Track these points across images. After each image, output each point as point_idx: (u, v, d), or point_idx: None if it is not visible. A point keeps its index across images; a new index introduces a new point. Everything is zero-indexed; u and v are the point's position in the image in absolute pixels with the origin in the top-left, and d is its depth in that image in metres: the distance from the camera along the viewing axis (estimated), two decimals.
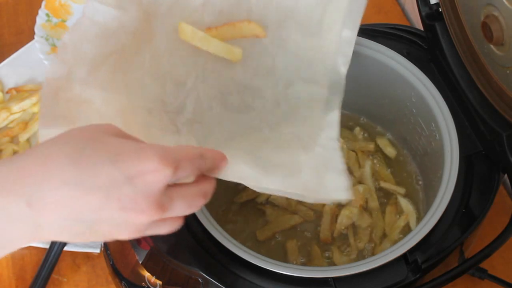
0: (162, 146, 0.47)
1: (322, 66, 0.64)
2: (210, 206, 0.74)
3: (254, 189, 0.56)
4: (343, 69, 0.64)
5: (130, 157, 0.44)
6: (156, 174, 0.44)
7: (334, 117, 0.62)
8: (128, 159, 0.44)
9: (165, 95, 0.61)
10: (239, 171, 0.55)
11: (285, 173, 0.56)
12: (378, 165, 0.78)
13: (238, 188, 0.76)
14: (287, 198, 0.75)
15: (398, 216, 0.73)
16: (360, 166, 0.77)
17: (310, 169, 0.57)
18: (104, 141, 0.45)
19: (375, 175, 0.76)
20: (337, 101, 0.63)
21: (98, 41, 0.57)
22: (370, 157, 0.78)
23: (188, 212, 0.49)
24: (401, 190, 0.75)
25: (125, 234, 0.46)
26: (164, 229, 0.49)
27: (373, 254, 0.71)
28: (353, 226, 0.73)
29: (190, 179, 0.50)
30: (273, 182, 0.55)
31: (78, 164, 0.43)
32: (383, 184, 0.75)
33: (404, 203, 0.73)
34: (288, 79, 0.65)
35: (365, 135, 0.80)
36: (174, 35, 0.62)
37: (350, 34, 0.63)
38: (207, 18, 0.64)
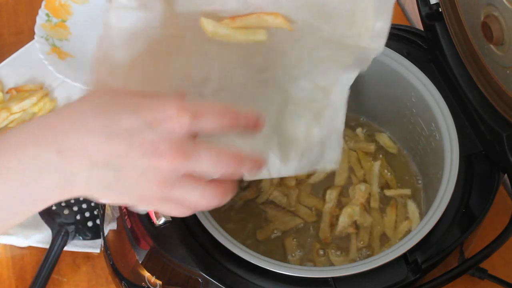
0: (184, 99, 0.47)
1: (352, 57, 0.63)
2: None
3: (271, 177, 0.57)
4: (372, 57, 0.62)
5: (150, 105, 0.46)
6: (175, 121, 0.46)
7: (351, 76, 0.61)
8: (148, 107, 0.46)
9: (191, 69, 0.60)
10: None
11: (299, 153, 0.58)
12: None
13: (239, 189, 0.76)
14: (287, 198, 0.75)
15: (402, 220, 0.73)
16: (361, 166, 0.77)
17: (318, 144, 0.60)
18: (126, 96, 0.48)
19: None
20: (362, 67, 0.62)
21: (128, 46, 0.56)
22: (370, 158, 0.78)
23: (216, 171, 0.47)
24: (407, 191, 0.75)
25: (153, 183, 0.46)
26: (197, 193, 0.48)
27: (373, 254, 0.71)
28: (354, 226, 0.73)
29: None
30: (291, 168, 0.58)
31: (102, 114, 0.46)
32: (388, 193, 0.74)
33: (412, 209, 0.72)
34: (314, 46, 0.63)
35: (366, 134, 0.80)
36: (199, 24, 0.60)
37: (382, 25, 0.61)
38: (231, 6, 0.61)
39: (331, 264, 0.70)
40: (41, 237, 0.80)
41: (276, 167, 0.58)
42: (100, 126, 0.45)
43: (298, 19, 0.61)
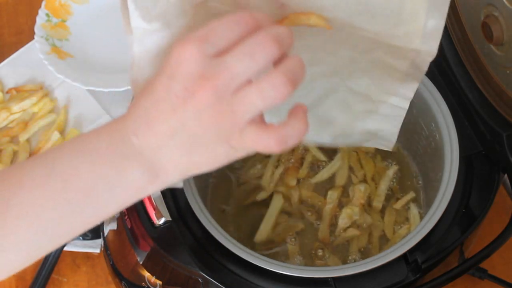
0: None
1: (406, 61, 0.58)
2: (210, 206, 0.75)
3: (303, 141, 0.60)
4: (426, 63, 0.56)
5: (166, 62, 0.46)
6: (185, 58, 0.44)
7: (413, 85, 0.58)
8: (165, 65, 0.46)
9: None
10: None
11: (337, 133, 0.59)
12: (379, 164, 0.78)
13: (239, 188, 0.76)
14: (290, 197, 0.75)
15: (402, 222, 0.73)
16: (361, 167, 0.77)
17: (361, 134, 0.61)
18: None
19: (376, 178, 0.76)
20: (418, 76, 0.58)
21: (155, 64, 0.55)
22: (371, 158, 0.78)
23: (257, 62, 0.44)
24: (411, 195, 0.74)
25: (217, 118, 0.45)
26: (259, 92, 0.44)
27: (372, 254, 0.70)
28: (356, 226, 0.73)
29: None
30: (323, 139, 0.59)
31: (146, 90, 0.47)
32: (395, 206, 0.74)
33: (414, 213, 0.72)
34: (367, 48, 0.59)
35: None
36: None
37: (436, 24, 0.54)
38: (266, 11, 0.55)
39: (331, 264, 0.70)
40: None
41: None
42: (149, 100, 0.47)
43: (335, 17, 0.55)
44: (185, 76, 0.44)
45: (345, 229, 0.72)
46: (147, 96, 0.47)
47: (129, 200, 0.49)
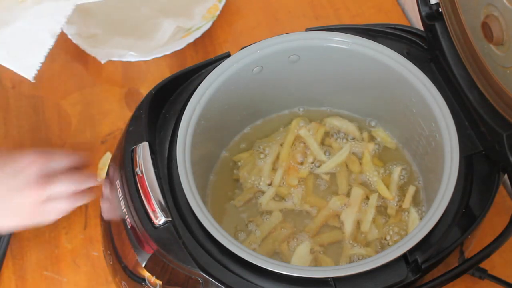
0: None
1: None
2: (210, 206, 0.75)
3: None
4: None
5: (16, 159, 0.72)
6: (32, 166, 0.71)
7: None
8: (14, 161, 0.72)
9: None
10: None
11: None
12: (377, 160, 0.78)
13: (239, 188, 0.76)
14: (294, 197, 0.75)
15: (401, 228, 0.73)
16: (361, 171, 0.77)
17: None
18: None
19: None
20: None
21: None
22: (370, 159, 0.78)
23: (68, 188, 0.72)
24: (412, 189, 0.74)
25: (31, 205, 0.71)
26: (59, 203, 0.72)
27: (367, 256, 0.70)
28: (346, 227, 0.73)
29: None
30: None
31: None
32: (404, 205, 0.74)
33: (414, 217, 0.72)
34: None
35: (369, 135, 0.80)
36: None
37: None
38: None
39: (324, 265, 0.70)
40: None
41: None
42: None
43: None
44: (28, 175, 0.70)
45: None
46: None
47: None
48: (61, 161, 0.73)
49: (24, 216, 0.72)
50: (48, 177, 0.70)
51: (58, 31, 0.74)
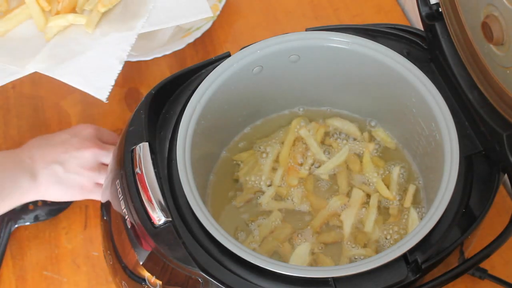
0: None
1: None
2: (210, 206, 0.75)
3: None
4: None
5: (76, 127, 0.83)
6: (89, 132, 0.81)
7: None
8: (74, 127, 0.83)
9: None
10: None
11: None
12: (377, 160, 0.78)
13: (239, 188, 0.76)
14: (294, 196, 0.75)
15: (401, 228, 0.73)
16: (361, 170, 0.77)
17: None
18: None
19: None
20: None
21: None
22: (369, 158, 0.78)
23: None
24: (412, 188, 0.74)
25: (85, 171, 0.78)
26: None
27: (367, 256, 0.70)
28: (346, 229, 0.73)
29: None
30: None
31: (43, 138, 0.82)
32: (405, 204, 0.74)
33: (413, 217, 0.72)
34: None
35: (370, 135, 0.80)
36: None
37: None
38: None
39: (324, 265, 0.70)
40: None
41: None
42: (39, 144, 0.79)
43: None
44: (84, 138, 0.78)
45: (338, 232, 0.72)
46: (45, 140, 0.79)
47: (13, 202, 0.75)
48: (108, 133, 0.82)
49: (77, 190, 0.78)
50: (102, 142, 0.80)
51: (125, 58, 0.80)
